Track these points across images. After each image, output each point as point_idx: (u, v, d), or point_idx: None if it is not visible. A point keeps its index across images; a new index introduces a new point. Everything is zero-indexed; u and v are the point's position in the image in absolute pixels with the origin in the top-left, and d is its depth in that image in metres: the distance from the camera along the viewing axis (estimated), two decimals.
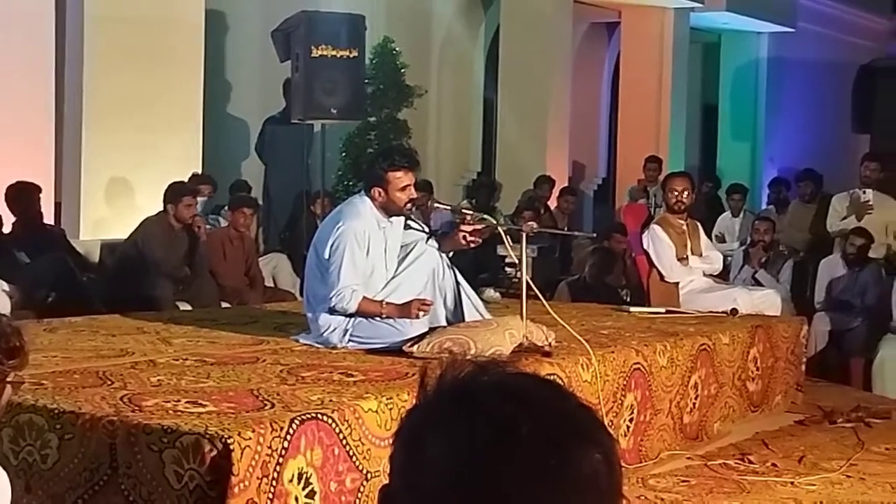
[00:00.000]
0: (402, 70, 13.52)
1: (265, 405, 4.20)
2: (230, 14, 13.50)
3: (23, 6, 9.20)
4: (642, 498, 5.28)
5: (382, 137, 12.97)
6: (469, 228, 5.92)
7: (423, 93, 14.00)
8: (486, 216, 6.61)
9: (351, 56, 10.29)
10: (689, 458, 6.14)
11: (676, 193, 8.29)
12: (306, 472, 3.94)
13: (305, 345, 5.76)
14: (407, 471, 1.33)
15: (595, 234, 9.55)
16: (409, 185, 5.77)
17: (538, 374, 1.44)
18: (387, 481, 1.38)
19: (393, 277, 5.81)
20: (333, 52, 10.18)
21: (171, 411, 4.06)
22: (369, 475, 4.23)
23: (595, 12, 16.14)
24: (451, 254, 6.03)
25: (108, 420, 3.92)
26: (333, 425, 4.09)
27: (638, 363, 6.00)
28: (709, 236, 9.29)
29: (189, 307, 8.29)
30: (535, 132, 13.77)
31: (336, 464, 4.09)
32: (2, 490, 2.96)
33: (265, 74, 12.85)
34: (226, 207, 10.42)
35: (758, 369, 7.22)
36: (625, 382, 5.87)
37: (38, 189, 8.53)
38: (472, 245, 5.99)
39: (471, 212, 6.37)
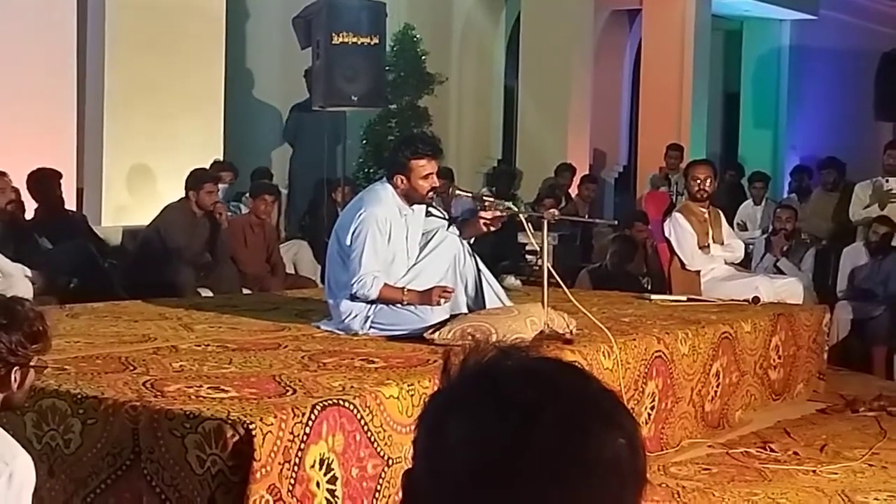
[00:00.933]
0: (423, 57, 13.52)
1: (287, 391, 4.21)
2: (251, 1, 13.51)
3: None
4: (664, 486, 5.28)
5: (403, 125, 12.98)
6: (488, 215, 5.92)
7: (444, 80, 14.00)
8: (507, 203, 6.62)
9: (372, 43, 10.29)
10: (710, 447, 6.13)
11: (699, 181, 8.26)
12: (328, 458, 3.95)
13: (327, 331, 5.77)
14: (430, 454, 1.33)
15: (616, 222, 9.53)
16: (431, 173, 5.77)
17: (561, 359, 1.44)
18: (410, 465, 1.38)
19: (414, 264, 5.81)
20: (354, 39, 10.18)
21: (193, 397, 4.07)
22: (391, 461, 4.23)
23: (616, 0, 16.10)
24: (472, 241, 6.03)
25: (131, 405, 3.94)
26: (355, 411, 4.10)
27: (659, 351, 5.99)
28: (731, 224, 9.25)
29: (210, 293, 8.31)
30: (556, 120, 13.74)
31: (357, 450, 4.10)
32: (27, 474, 2.98)
33: (286, 61, 12.86)
34: (247, 194, 10.44)
35: (780, 357, 7.20)
36: (646, 370, 5.86)
37: (59, 175, 8.56)
38: (492, 228, 5.99)
39: (492, 199, 6.38)
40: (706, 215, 8.31)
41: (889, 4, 19.20)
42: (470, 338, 5.19)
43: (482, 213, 5.95)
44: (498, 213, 5.98)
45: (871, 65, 18.29)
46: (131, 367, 4.62)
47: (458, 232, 5.95)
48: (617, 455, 1.30)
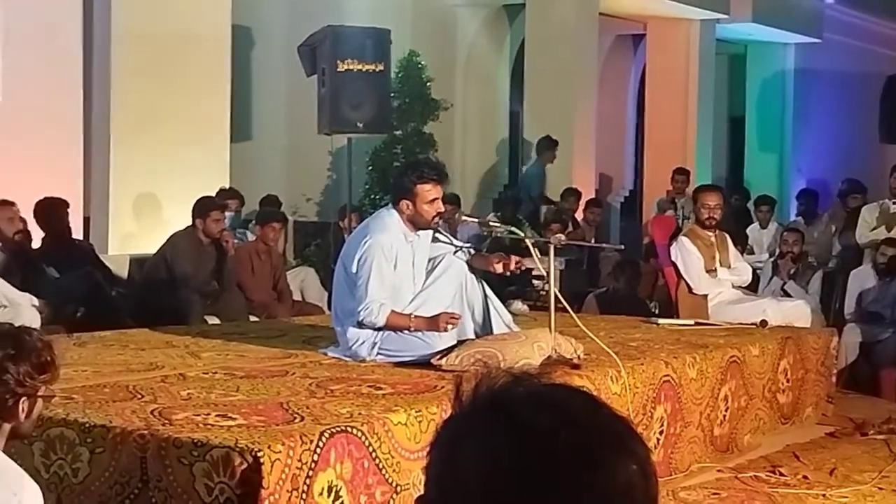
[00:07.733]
0: (428, 84, 13.55)
1: (295, 418, 4.20)
2: (256, 29, 13.55)
3: (50, 24, 9.26)
4: None
5: (408, 151, 13.00)
6: (514, 264, 5.90)
7: (449, 106, 14.02)
8: (513, 229, 6.61)
9: (376, 70, 10.33)
10: (719, 471, 6.11)
11: (709, 209, 8.25)
12: (336, 486, 3.94)
13: (334, 358, 5.76)
14: (443, 481, 1.33)
15: (623, 246, 9.52)
16: (437, 198, 5.76)
17: (572, 386, 1.43)
18: (422, 492, 1.37)
19: (421, 291, 5.80)
20: (359, 67, 10.22)
21: (201, 425, 4.06)
22: (399, 488, 4.22)
23: (621, 24, 16.14)
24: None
25: (139, 434, 3.93)
26: (363, 438, 4.09)
27: (667, 375, 5.97)
28: (737, 248, 9.23)
29: (218, 321, 8.30)
30: (561, 144, 13.73)
31: (365, 477, 4.08)
32: (35, 503, 2.96)
33: (291, 89, 12.90)
34: (253, 222, 10.45)
35: (788, 381, 7.18)
36: (654, 395, 5.85)
37: (66, 204, 8.56)
38: (506, 273, 6.02)
39: (498, 225, 6.37)
40: (712, 239, 8.30)
41: (893, 27, 19.23)
42: (479, 363, 5.18)
43: (513, 258, 5.94)
44: (520, 264, 5.99)
45: (876, 87, 18.33)
46: (139, 396, 4.61)
47: (465, 258, 5.94)
48: (630, 481, 1.29)
